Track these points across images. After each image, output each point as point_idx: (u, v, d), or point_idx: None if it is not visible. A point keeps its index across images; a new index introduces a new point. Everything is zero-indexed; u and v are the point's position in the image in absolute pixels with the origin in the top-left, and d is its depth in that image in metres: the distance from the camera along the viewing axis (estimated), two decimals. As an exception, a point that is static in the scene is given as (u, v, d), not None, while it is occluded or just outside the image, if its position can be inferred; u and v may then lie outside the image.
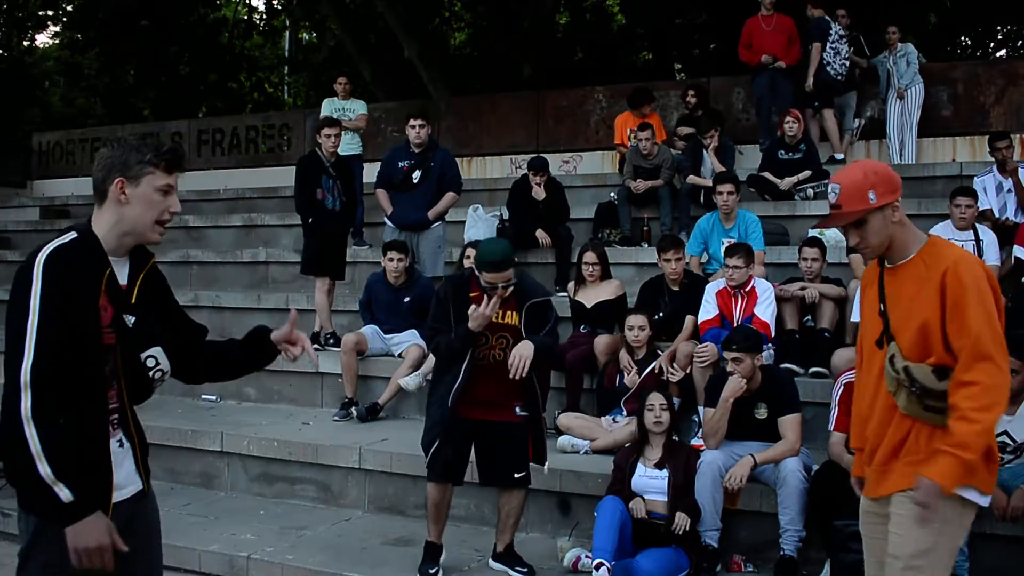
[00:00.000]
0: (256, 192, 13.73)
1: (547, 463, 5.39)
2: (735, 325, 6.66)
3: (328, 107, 11.03)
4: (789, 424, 5.48)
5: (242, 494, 6.97)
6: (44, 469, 2.60)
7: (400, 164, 8.78)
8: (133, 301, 2.92)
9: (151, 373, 2.95)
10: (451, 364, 5.14)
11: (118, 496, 2.83)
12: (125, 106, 23.98)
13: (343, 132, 9.11)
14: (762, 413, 5.59)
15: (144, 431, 3.02)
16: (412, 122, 8.72)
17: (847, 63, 10.92)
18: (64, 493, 2.61)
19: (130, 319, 2.89)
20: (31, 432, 2.60)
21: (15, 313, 2.68)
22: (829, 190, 3.41)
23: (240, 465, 7.04)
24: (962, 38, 20.89)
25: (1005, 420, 5.07)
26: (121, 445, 2.90)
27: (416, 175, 8.71)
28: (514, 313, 5.13)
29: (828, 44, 10.78)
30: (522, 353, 4.99)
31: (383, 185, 8.87)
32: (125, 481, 2.90)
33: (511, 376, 5.00)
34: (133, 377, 2.92)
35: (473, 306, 4.99)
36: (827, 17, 10.96)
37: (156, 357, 2.96)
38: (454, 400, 5.09)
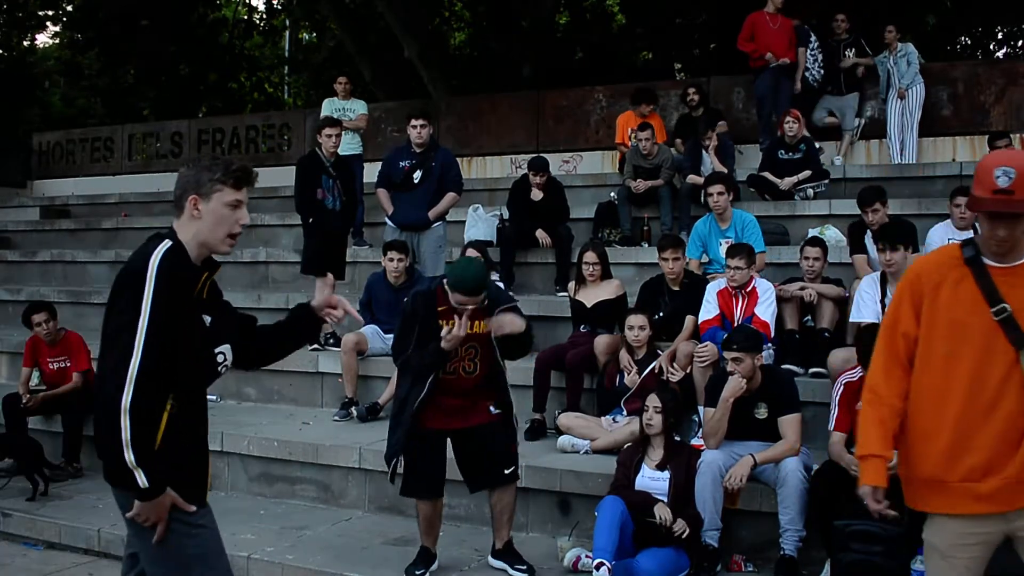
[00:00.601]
0: (256, 192, 13.64)
1: (516, 466, 5.36)
2: (735, 325, 6.66)
3: (328, 107, 11.04)
4: (789, 424, 5.48)
5: (242, 494, 6.97)
6: (129, 456, 2.94)
7: (401, 164, 8.77)
8: (205, 303, 3.26)
9: (219, 368, 3.31)
10: (419, 380, 5.07)
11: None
12: (125, 106, 23.97)
13: (343, 132, 9.11)
14: (762, 413, 5.58)
15: None
16: (413, 122, 8.71)
17: (823, 70, 11.07)
18: (141, 480, 2.96)
19: (207, 319, 3.24)
20: (124, 423, 2.91)
21: (118, 312, 2.98)
22: (1000, 173, 3.10)
23: (240, 465, 7.04)
24: (962, 38, 20.88)
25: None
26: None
27: (417, 175, 8.70)
28: (482, 322, 5.06)
29: (807, 51, 10.92)
30: (507, 320, 4.94)
31: (384, 185, 8.87)
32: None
33: (493, 333, 4.95)
34: (209, 370, 3.30)
35: (445, 328, 4.92)
36: (805, 26, 11.15)
37: (224, 353, 3.31)
38: (416, 414, 5.04)
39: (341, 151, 8.93)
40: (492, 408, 5.20)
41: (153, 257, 3.01)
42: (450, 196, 8.73)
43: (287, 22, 25.07)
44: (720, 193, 7.73)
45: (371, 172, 10.70)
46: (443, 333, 4.90)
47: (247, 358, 3.50)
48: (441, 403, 5.09)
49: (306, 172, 8.44)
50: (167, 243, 3.08)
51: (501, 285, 8.12)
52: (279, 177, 13.41)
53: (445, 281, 5.04)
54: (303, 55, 26.19)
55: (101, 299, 10.58)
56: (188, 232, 3.15)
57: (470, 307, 4.90)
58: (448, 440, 5.29)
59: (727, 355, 5.57)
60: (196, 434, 3.22)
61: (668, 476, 5.40)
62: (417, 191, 8.69)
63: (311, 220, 8.39)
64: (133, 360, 2.91)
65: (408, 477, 5.24)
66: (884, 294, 6.34)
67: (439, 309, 5.04)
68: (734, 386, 5.49)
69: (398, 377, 5.40)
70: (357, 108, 11.11)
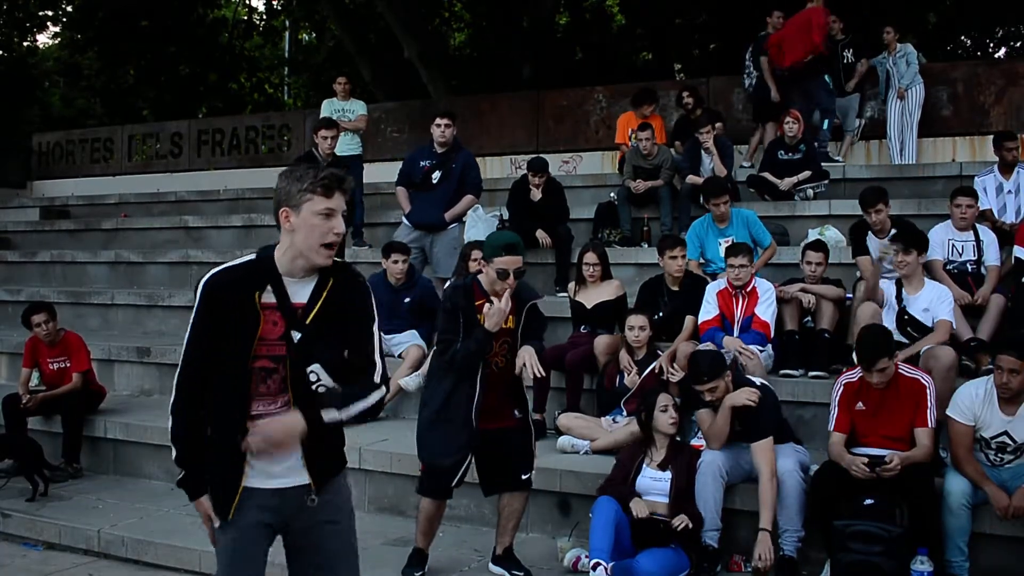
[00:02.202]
0: (256, 192, 13.72)
1: (532, 472, 5.35)
2: (736, 325, 6.66)
3: (328, 108, 11.03)
4: (760, 453, 5.31)
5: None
6: (173, 453, 3.20)
7: (421, 163, 8.79)
8: (310, 320, 3.13)
9: (313, 387, 3.13)
10: (465, 375, 5.05)
11: (272, 484, 3.17)
12: (125, 106, 23.99)
13: (343, 133, 9.10)
14: (737, 427, 5.53)
15: (330, 437, 3.22)
16: (438, 121, 8.72)
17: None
18: (181, 474, 3.22)
19: (296, 335, 3.11)
20: (169, 424, 3.19)
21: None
22: None
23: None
24: (962, 38, 20.89)
25: (1005, 420, 5.08)
26: None
27: (436, 175, 8.72)
28: (511, 316, 5.09)
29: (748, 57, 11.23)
30: (530, 354, 5.00)
31: (403, 183, 8.88)
32: (284, 472, 3.18)
33: (534, 376, 5.04)
34: (308, 387, 3.14)
35: (487, 305, 4.96)
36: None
37: (317, 373, 3.13)
38: (476, 417, 5.03)
39: (340, 152, 8.92)
40: (516, 412, 5.21)
41: (207, 275, 3.13)
42: (468, 198, 8.75)
43: (287, 23, 25.08)
44: (725, 203, 7.75)
45: (371, 173, 10.72)
46: (485, 310, 4.94)
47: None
48: (479, 405, 5.08)
49: (303, 173, 8.41)
50: (242, 259, 3.18)
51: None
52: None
53: (483, 255, 5.20)
54: (303, 56, 26.21)
55: (101, 299, 10.60)
56: (283, 245, 3.14)
57: (510, 280, 4.96)
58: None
59: (700, 388, 5.49)
60: (226, 451, 3.13)
61: (670, 476, 5.39)
62: (435, 192, 8.70)
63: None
64: (178, 368, 3.16)
65: (427, 476, 5.23)
66: (900, 291, 6.42)
67: (477, 303, 5.08)
68: (740, 398, 5.44)
69: (437, 375, 5.26)
70: (356, 109, 11.10)
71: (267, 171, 15.03)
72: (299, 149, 14.46)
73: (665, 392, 5.78)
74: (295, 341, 3.11)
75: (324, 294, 3.16)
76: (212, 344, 3.09)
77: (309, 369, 3.12)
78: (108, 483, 7.36)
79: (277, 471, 3.16)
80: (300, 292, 3.14)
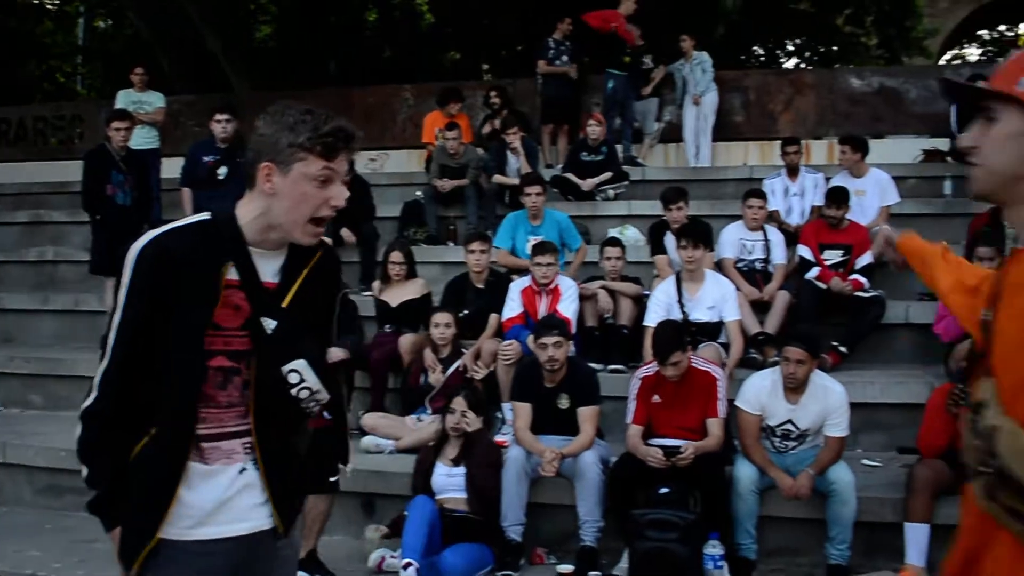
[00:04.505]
0: (44, 187, 12.96)
1: (350, 464, 5.28)
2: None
3: (123, 99, 10.54)
4: (587, 416, 5.61)
5: (26, 508, 6.57)
6: (84, 472, 2.37)
7: (204, 159, 8.46)
8: (287, 302, 2.38)
9: (294, 391, 2.38)
10: None
11: (225, 532, 2.35)
12: None
13: (139, 126, 8.73)
14: (564, 403, 5.69)
15: (297, 462, 2.57)
16: (218, 116, 8.43)
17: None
18: (93, 495, 2.39)
19: (270, 324, 2.34)
20: (77, 431, 2.36)
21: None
22: None
23: (25, 477, 6.64)
24: (755, 48, 21.92)
25: (789, 409, 5.36)
26: (242, 472, 2.38)
27: (222, 171, 8.42)
28: None
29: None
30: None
31: (187, 183, 8.54)
32: (241, 515, 2.38)
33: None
34: (277, 395, 2.37)
35: None
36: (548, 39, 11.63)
37: (299, 372, 2.38)
38: None
39: (137, 145, 8.55)
40: (326, 414, 5.09)
41: (139, 240, 2.28)
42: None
43: (81, 8, 23.89)
44: (538, 194, 7.86)
45: (169, 168, 10.30)
46: None
47: None
48: None
49: (94, 167, 8.05)
50: (191, 219, 2.38)
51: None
52: (70, 172, 12.71)
53: None
54: (99, 43, 24.99)
55: None
56: (255, 209, 2.36)
57: None
58: None
59: (548, 340, 5.62)
60: (169, 466, 2.30)
61: (464, 471, 5.41)
62: (223, 189, 8.39)
63: (99, 216, 8.02)
64: (102, 363, 2.30)
65: None
66: (681, 294, 6.64)
67: None
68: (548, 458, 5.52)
69: None
70: (154, 101, 10.67)
71: (57, 164, 14.25)
72: (93, 141, 13.59)
73: (471, 391, 5.80)
74: (268, 331, 2.33)
75: (306, 270, 2.44)
76: (150, 335, 2.26)
77: (288, 368, 2.36)
78: None
79: (233, 514, 2.37)
80: (269, 267, 2.38)
